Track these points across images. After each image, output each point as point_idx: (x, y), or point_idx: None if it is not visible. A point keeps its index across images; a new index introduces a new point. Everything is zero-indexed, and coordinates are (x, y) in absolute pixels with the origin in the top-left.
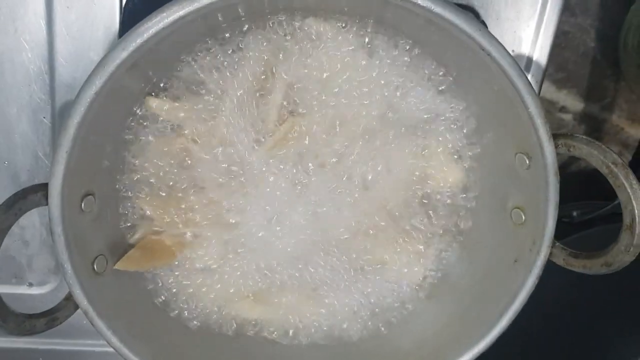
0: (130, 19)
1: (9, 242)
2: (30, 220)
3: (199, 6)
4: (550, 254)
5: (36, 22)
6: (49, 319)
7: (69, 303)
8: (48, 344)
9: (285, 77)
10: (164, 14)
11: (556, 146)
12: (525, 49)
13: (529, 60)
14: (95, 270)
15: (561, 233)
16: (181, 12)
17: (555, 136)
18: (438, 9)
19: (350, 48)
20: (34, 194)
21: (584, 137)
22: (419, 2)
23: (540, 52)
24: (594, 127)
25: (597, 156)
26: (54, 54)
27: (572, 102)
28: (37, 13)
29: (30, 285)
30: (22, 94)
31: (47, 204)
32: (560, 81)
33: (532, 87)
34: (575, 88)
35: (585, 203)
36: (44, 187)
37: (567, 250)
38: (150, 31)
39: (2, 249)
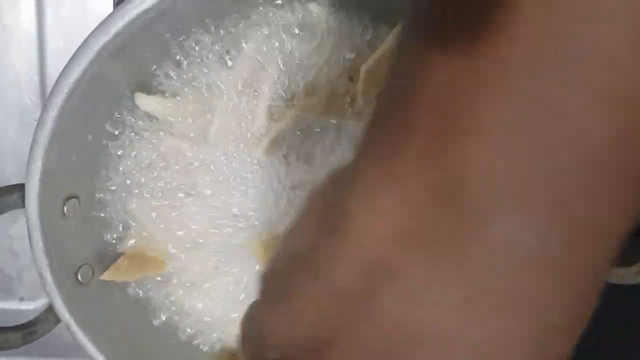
0: None
1: None
2: (21, 230)
3: None
4: None
5: (26, 17)
6: (26, 332)
7: (49, 315)
8: None
9: (271, 71)
10: None
11: None
12: None
13: None
14: (79, 281)
15: None
16: None
17: None
18: None
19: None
20: (8, 195)
21: None
22: None
23: None
24: None
25: None
26: (45, 52)
27: None
28: (26, 8)
29: (22, 299)
30: (11, 95)
31: (24, 207)
32: None
33: None
34: None
35: None
36: (20, 188)
37: None
38: (134, 12)
39: None
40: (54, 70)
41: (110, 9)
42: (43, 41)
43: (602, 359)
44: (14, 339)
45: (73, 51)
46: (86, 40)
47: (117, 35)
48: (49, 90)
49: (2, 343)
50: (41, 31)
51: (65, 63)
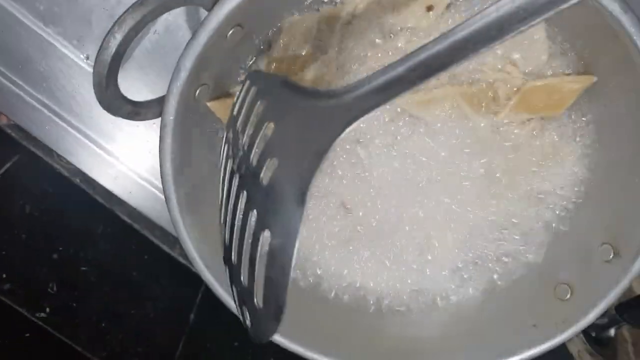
0: None
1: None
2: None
3: None
4: (570, 339)
5: None
6: (133, 111)
7: (156, 108)
8: None
9: None
10: None
11: None
12: None
13: None
14: (195, 96)
15: None
16: None
17: None
18: None
19: None
20: None
21: None
22: None
23: None
24: None
25: None
26: None
27: None
28: None
29: (87, 58)
30: None
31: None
32: None
33: None
34: None
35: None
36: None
37: (586, 344)
38: None
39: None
40: None
41: None
42: None
43: None
44: (124, 110)
45: None
46: None
47: None
48: None
49: (116, 109)
50: None
51: None
